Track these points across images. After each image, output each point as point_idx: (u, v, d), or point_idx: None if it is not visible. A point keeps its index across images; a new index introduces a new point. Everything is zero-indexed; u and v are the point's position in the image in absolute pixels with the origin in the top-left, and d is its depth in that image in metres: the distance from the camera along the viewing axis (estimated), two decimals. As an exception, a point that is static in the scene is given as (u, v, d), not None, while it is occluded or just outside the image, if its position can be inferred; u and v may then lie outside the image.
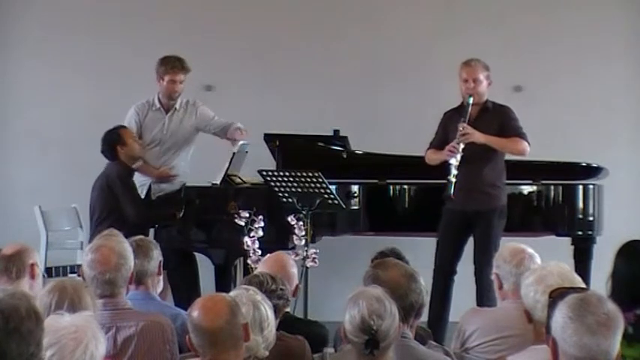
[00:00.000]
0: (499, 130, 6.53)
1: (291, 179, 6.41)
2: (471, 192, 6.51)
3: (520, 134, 6.54)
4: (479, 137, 6.46)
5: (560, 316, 2.87)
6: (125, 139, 6.91)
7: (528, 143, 6.51)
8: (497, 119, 6.57)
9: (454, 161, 6.41)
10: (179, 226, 6.91)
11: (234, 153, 7.08)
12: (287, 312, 4.16)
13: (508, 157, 6.84)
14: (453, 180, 6.39)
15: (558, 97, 8.35)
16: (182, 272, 6.93)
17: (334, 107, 8.24)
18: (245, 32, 8.43)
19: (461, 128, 6.44)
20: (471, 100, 6.51)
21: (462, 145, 6.42)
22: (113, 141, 6.91)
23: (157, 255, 4.47)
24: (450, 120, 6.62)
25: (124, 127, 7.02)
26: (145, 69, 8.41)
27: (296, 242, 6.01)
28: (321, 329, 4.44)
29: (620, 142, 8.31)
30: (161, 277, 4.52)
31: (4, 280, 4.10)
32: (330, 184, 6.47)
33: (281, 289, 3.99)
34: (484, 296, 6.22)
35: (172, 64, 7.15)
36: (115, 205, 6.79)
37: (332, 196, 6.41)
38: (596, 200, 7.16)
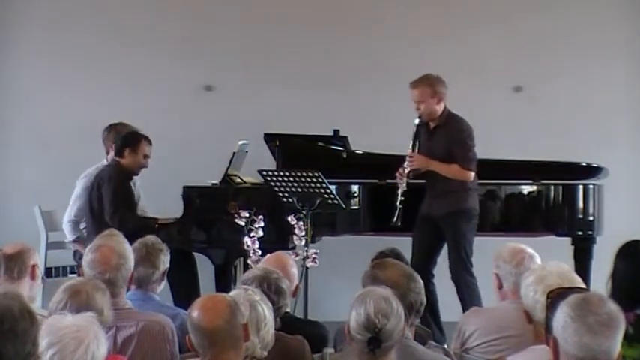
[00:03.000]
0: (447, 149, 6.50)
1: (291, 179, 6.41)
2: (436, 197, 6.53)
3: (463, 161, 6.48)
4: (422, 164, 6.49)
5: (562, 316, 2.88)
6: (137, 151, 6.78)
7: (471, 169, 6.47)
8: (447, 138, 6.53)
9: (401, 187, 6.44)
10: (179, 226, 6.90)
11: (234, 153, 7.08)
12: (287, 312, 4.16)
13: (507, 156, 6.84)
14: (399, 207, 6.41)
15: (558, 97, 8.35)
16: (181, 272, 6.90)
17: (334, 107, 8.23)
18: (245, 32, 8.42)
19: (408, 154, 6.47)
20: (416, 122, 6.54)
21: (407, 170, 6.45)
22: (128, 142, 6.81)
23: (164, 262, 4.47)
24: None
25: (147, 139, 6.86)
26: (145, 69, 8.45)
27: (296, 242, 6.01)
28: (321, 329, 4.43)
29: (620, 142, 8.31)
30: (163, 282, 4.53)
31: (5, 279, 4.10)
32: (330, 184, 6.47)
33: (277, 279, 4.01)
34: (466, 297, 6.22)
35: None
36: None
37: (332, 196, 6.40)
38: (596, 200, 7.16)
